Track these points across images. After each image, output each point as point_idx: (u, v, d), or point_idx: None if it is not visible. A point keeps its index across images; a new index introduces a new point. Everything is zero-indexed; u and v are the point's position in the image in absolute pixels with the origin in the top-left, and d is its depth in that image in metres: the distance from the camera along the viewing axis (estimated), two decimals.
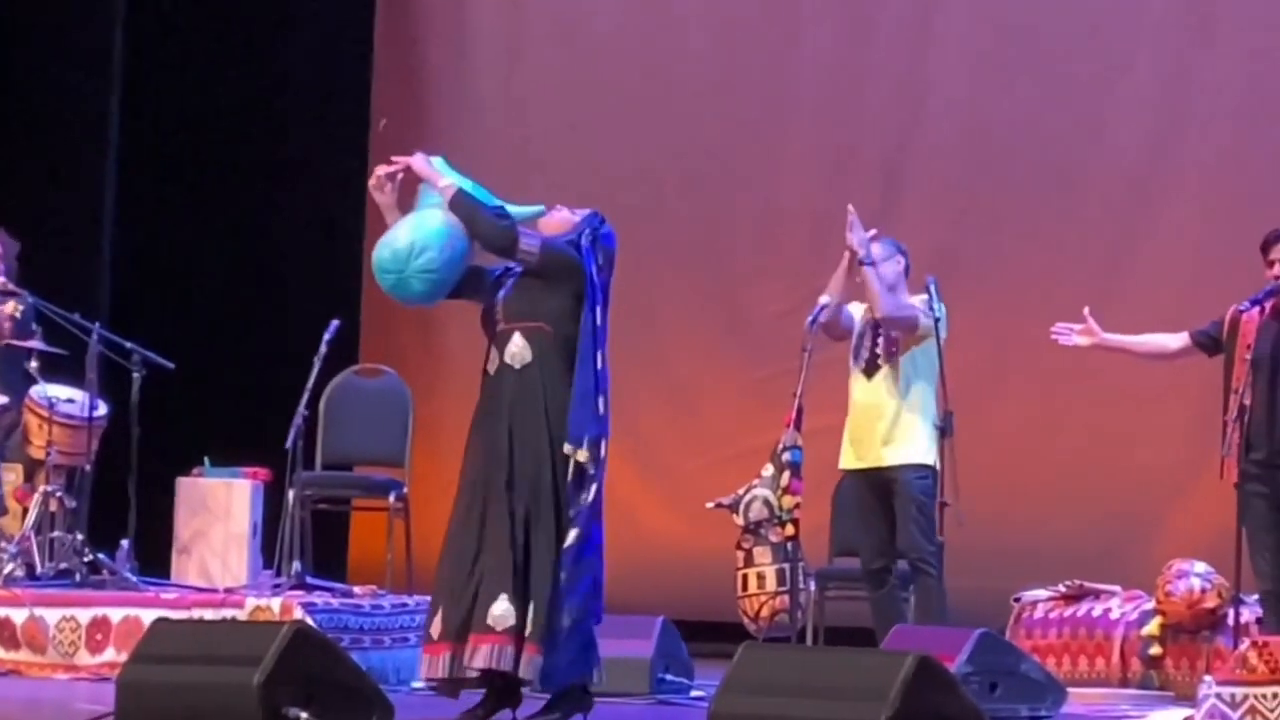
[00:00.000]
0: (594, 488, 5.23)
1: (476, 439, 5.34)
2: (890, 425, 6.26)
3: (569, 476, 5.21)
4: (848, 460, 6.31)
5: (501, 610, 5.16)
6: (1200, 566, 6.70)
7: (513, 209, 5.49)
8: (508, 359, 5.24)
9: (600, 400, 5.31)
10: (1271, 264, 5.85)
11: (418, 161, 5.41)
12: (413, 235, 5.28)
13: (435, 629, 5.34)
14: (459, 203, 5.26)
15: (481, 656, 5.17)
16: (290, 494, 7.03)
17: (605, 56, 9.14)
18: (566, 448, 5.19)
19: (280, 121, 9.49)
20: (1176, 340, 6.15)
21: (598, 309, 5.35)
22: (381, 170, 5.45)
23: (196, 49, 9.62)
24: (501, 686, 5.27)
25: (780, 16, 8.72)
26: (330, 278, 9.01)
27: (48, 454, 7.00)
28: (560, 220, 5.47)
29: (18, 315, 7.27)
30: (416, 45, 9.64)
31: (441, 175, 5.41)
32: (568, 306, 5.26)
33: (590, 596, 5.31)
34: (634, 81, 9.01)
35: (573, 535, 5.21)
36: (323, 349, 6.95)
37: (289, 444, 6.87)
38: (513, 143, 9.27)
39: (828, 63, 8.67)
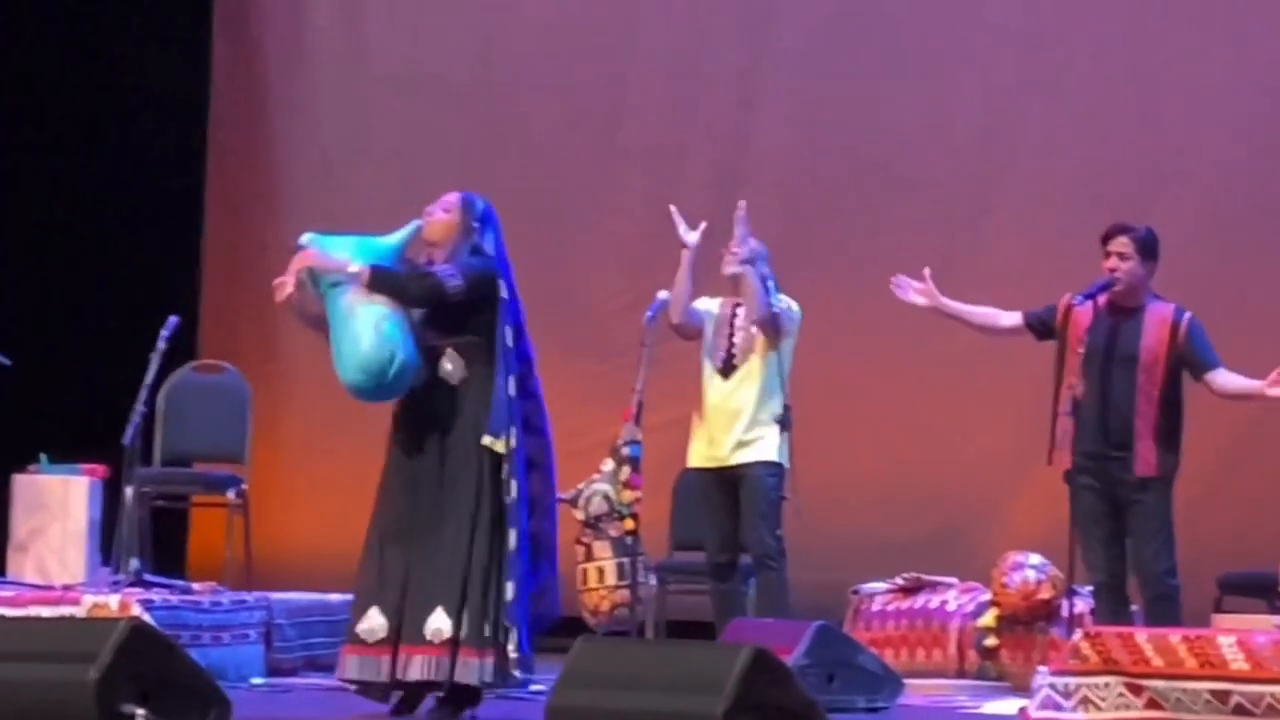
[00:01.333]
0: (515, 483, 5.32)
1: (402, 451, 5.42)
2: (747, 426, 6.29)
3: (493, 471, 5.34)
4: (697, 459, 6.33)
5: (438, 624, 5.26)
6: (1035, 558, 6.74)
7: (387, 243, 5.58)
8: (442, 375, 5.33)
9: (519, 392, 5.54)
10: (1108, 255, 5.83)
11: (313, 259, 5.43)
12: (370, 345, 5.32)
13: (365, 632, 5.37)
14: (379, 282, 5.30)
15: (416, 668, 5.25)
16: (128, 490, 7.00)
17: (445, 54, 9.20)
18: (485, 439, 5.26)
19: (119, 109, 9.39)
20: (1009, 318, 6.12)
21: (513, 302, 5.57)
22: (287, 286, 5.52)
23: (24, 37, 9.53)
24: (451, 690, 5.40)
25: (619, 16, 8.84)
26: (168, 273, 8.93)
27: None
28: (444, 223, 5.51)
29: None
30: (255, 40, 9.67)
31: (344, 262, 5.42)
32: (490, 313, 5.39)
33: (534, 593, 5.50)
34: (473, 78, 9.03)
35: (512, 537, 5.34)
36: (161, 345, 6.90)
37: (127, 440, 6.82)
38: (352, 142, 9.38)
39: (665, 61, 8.75)
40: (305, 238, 5.56)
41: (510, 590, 5.32)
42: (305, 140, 9.28)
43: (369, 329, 5.31)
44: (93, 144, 9.39)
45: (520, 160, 8.61)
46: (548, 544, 5.59)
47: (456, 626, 5.23)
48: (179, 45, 9.42)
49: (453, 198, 5.55)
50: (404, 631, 5.28)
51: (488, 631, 5.28)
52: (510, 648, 5.37)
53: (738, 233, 6.22)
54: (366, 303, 5.33)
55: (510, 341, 5.44)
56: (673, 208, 6.36)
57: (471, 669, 5.22)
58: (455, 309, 5.38)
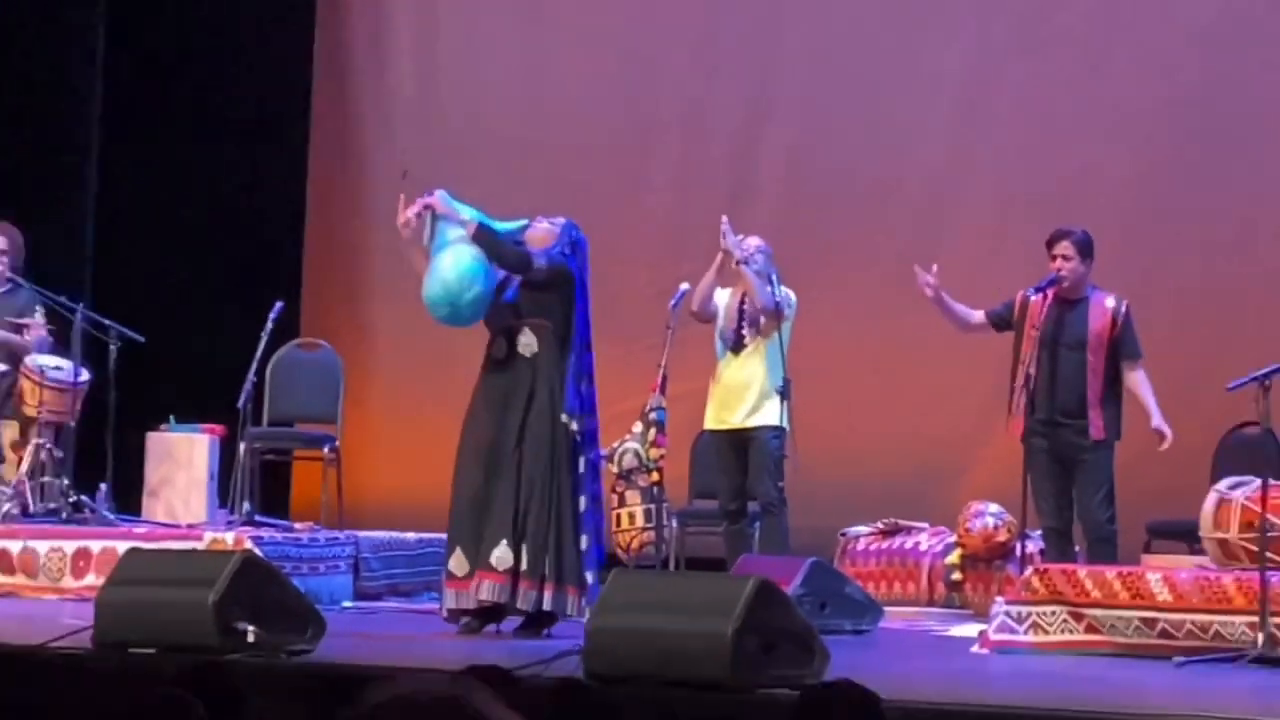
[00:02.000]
0: (582, 459, 5.48)
1: (484, 413, 5.52)
2: (756, 396, 6.34)
3: (568, 444, 5.45)
4: (713, 423, 6.43)
5: (501, 554, 5.37)
6: (994, 507, 6.85)
7: (502, 225, 5.66)
8: (520, 349, 5.44)
9: (584, 381, 5.58)
10: (1054, 258, 5.92)
11: (438, 201, 5.50)
12: (457, 272, 5.42)
13: (454, 568, 5.51)
14: (481, 236, 5.38)
15: (485, 590, 5.37)
16: (241, 446, 7.16)
17: (511, 73, 9.07)
18: (563, 417, 5.40)
19: (239, 126, 9.26)
20: (976, 316, 6.23)
21: (583, 305, 5.65)
22: (409, 211, 5.55)
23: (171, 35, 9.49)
24: (531, 615, 5.46)
25: (642, 45, 8.69)
26: (275, 265, 9.05)
27: (39, 413, 7.04)
28: (545, 232, 5.65)
29: (45, 330, 7.38)
30: (349, 55, 9.44)
31: (459, 211, 5.52)
32: (563, 306, 5.49)
33: (592, 543, 5.57)
34: (525, 113, 8.85)
35: (583, 501, 5.47)
36: (269, 325, 7.05)
37: (240, 404, 7.03)
38: (424, 159, 9.18)
39: (683, 98, 8.61)
40: (438, 191, 5.65)
41: (584, 542, 5.44)
42: (387, 157, 9.14)
43: (462, 260, 5.44)
44: (218, 156, 9.45)
45: (567, 182, 8.49)
46: (603, 502, 5.83)
47: (516, 559, 5.29)
48: (283, 80, 9.42)
49: (560, 219, 5.67)
50: (478, 561, 5.35)
51: (547, 570, 5.33)
52: (585, 586, 5.51)
53: (728, 243, 6.28)
54: (467, 245, 5.44)
55: (580, 333, 5.59)
56: (724, 219, 6.38)
57: (529, 598, 5.29)
58: (534, 294, 5.45)
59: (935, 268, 6.17)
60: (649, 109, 8.54)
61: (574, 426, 5.36)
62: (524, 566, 5.30)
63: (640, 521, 6.41)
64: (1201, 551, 6.00)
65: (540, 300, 5.44)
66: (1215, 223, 7.69)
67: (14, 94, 8.93)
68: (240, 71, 9.17)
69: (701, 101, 8.51)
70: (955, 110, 8.23)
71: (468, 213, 5.49)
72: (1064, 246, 5.76)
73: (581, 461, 5.43)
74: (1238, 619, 5.44)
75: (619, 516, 6.37)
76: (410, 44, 9.22)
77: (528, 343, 5.39)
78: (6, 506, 6.80)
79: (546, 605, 5.35)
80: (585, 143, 8.47)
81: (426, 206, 5.49)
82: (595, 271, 6.00)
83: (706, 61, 8.60)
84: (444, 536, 5.74)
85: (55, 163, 9.11)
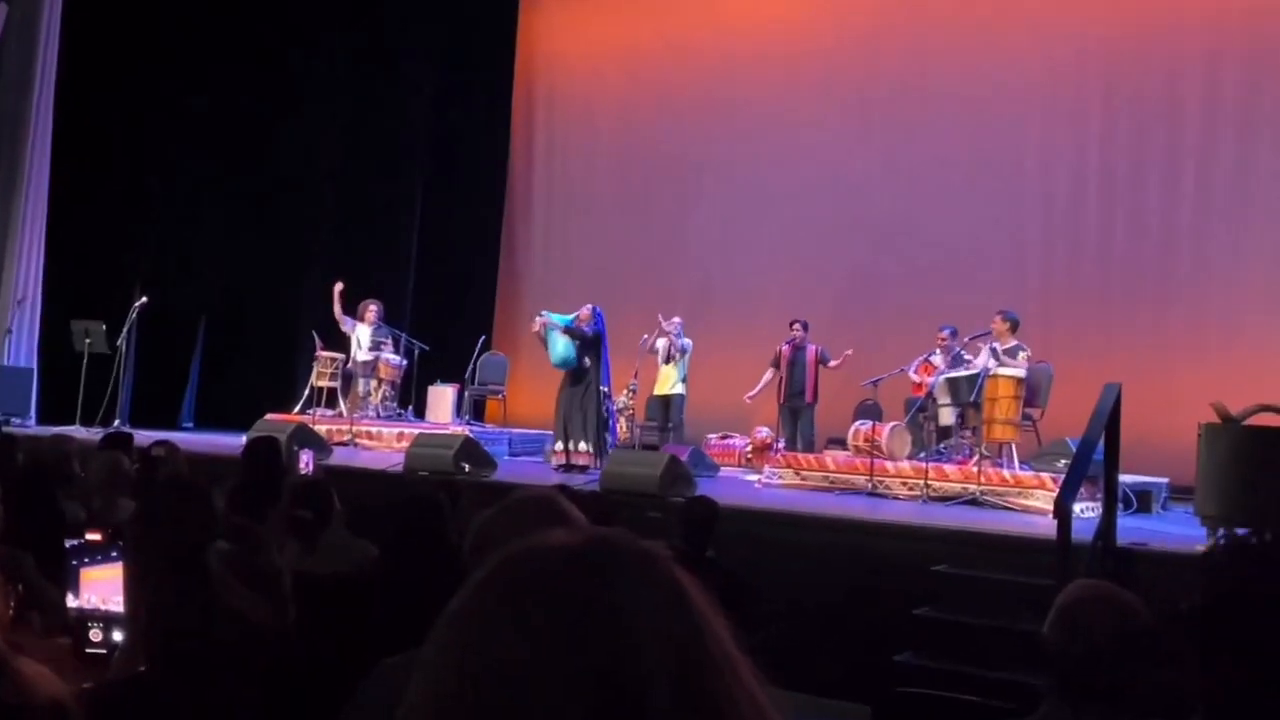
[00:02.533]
0: (606, 406, 9.47)
1: (568, 389, 9.38)
2: (673, 382, 10.76)
3: (601, 401, 9.31)
4: (655, 391, 10.82)
5: (582, 445, 9.39)
6: (765, 429, 10.84)
7: (567, 317, 9.51)
8: (583, 367, 9.34)
9: (605, 381, 9.64)
10: (792, 325, 10.30)
11: (548, 319, 9.60)
12: (563, 351, 9.43)
13: (558, 447, 9.34)
14: (569, 331, 9.51)
15: (571, 457, 9.21)
16: (466, 394, 11.68)
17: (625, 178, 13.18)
18: (603, 388, 9.28)
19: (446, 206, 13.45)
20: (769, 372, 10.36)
21: (605, 357, 9.42)
22: (538, 326, 9.62)
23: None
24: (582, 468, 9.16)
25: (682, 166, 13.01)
26: (476, 309, 13.25)
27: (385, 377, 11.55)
28: (585, 315, 9.68)
29: (395, 367, 11.37)
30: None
31: (558, 322, 9.52)
32: (599, 350, 9.30)
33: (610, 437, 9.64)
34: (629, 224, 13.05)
35: (609, 423, 9.36)
36: (480, 344, 11.65)
37: (467, 376, 11.44)
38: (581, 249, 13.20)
39: (722, 196, 12.69)
40: (544, 312, 9.74)
41: (608, 440, 9.98)
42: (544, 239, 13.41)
43: (563, 344, 9.68)
44: (440, 230, 13.52)
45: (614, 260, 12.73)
46: (613, 425, 10.26)
47: (582, 445, 9.73)
48: (484, 193, 13.70)
49: (588, 308, 9.91)
50: (568, 445, 9.60)
51: (594, 449, 9.73)
52: (605, 454, 9.37)
53: (664, 325, 10.62)
54: (563, 335, 9.62)
55: (605, 362, 9.78)
56: (660, 316, 10.70)
57: (589, 460, 9.87)
58: (585, 346, 9.73)
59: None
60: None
61: (605, 390, 9.96)
62: (585, 447, 9.62)
63: (624, 430, 11.12)
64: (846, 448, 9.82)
65: (587, 349, 9.70)
66: None
67: None
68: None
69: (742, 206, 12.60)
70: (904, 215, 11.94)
71: (557, 320, 9.81)
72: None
73: (606, 407, 9.99)
74: (859, 478, 8.97)
75: (620, 428, 10.99)
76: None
77: (586, 365, 9.68)
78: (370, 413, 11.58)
79: (596, 464, 9.46)
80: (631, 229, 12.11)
81: (543, 323, 9.74)
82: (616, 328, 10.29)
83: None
84: (550, 433, 10.24)
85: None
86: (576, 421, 9.62)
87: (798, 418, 10.35)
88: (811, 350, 10.46)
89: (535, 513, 1.90)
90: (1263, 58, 10.28)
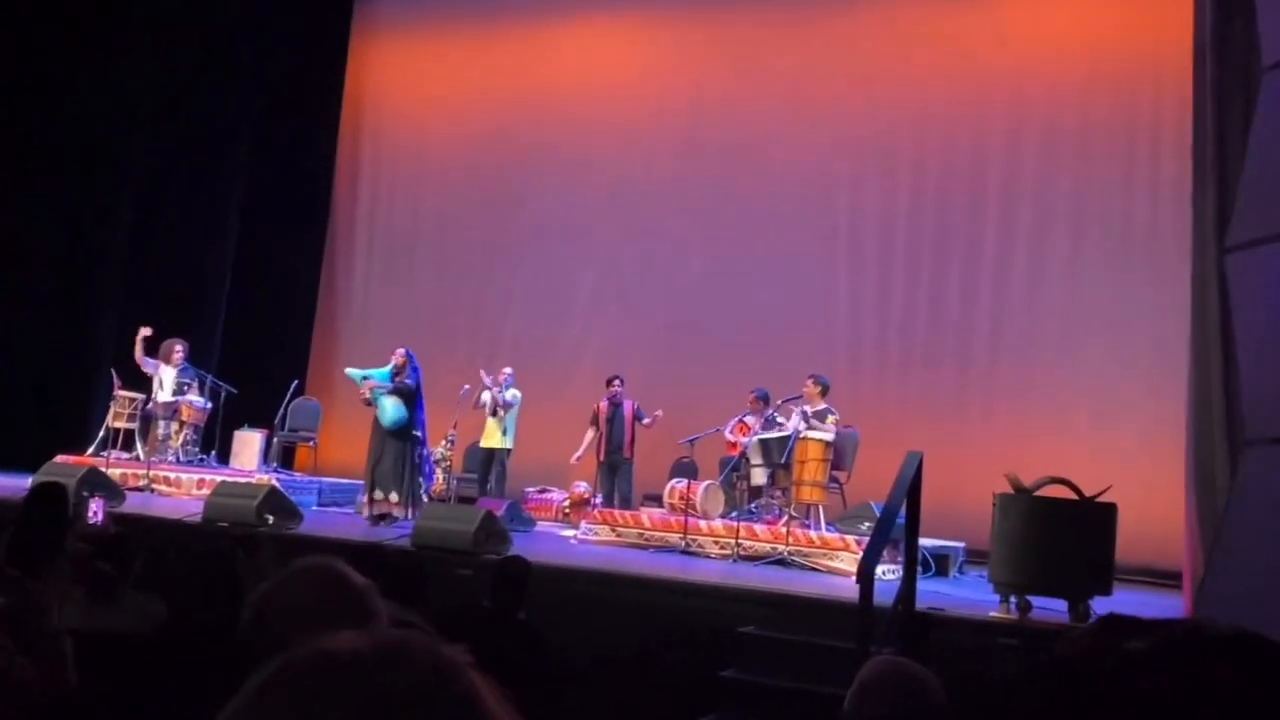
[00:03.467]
0: (420, 452, 9.46)
1: (379, 431, 9.49)
2: (500, 435, 10.75)
3: (417, 447, 9.32)
4: (483, 444, 10.75)
5: (390, 494, 9.30)
6: (583, 484, 10.80)
7: (387, 369, 9.55)
8: (392, 418, 9.48)
9: (423, 449, 9.57)
10: (609, 382, 10.41)
11: (372, 383, 9.45)
12: (391, 411, 9.34)
13: (366, 496, 9.50)
14: (395, 391, 9.38)
15: (379, 507, 9.24)
16: (274, 440, 11.53)
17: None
18: (415, 432, 9.24)
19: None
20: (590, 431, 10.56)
21: (420, 401, 9.29)
22: (365, 393, 9.50)
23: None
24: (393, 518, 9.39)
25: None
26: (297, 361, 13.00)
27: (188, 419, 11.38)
28: (401, 361, 9.53)
29: (199, 410, 11.01)
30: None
31: (383, 385, 9.38)
32: (415, 397, 9.28)
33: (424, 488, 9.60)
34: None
35: (423, 467, 9.43)
36: (290, 393, 11.45)
37: (275, 421, 11.39)
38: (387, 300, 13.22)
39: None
40: (370, 373, 9.62)
41: (421, 484, 9.88)
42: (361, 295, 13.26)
43: (391, 405, 9.57)
44: (255, 266, 13.12)
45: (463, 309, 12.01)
46: (429, 472, 10.21)
47: (395, 495, 9.65)
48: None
49: (401, 352, 9.82)
50: (377, 496, 9.58)
51: (408, 499, 9.61)
52: (419, 506, 9.32)
53: (486, 380, 10.64)
54: (389, 396, 9.55)
55: (420, 406, 9.67)
56: (482, 371, 10.69)
57: (397, 511, 9.81)
58: (406, 396, 9.65)
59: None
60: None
61: (417, 435, 9.69)
62: (396, 498, 9.51)
63: (441, 481, 11.13)
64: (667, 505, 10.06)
65: (407, 398, 9.62)
66: None
67: None
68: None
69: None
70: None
71: (379, 377, 9.63)
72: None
73: (421, 454, 9.87)
74: (673, 535, 9.05)
75: (437, 478, 10.96)
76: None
77: (403, 415, 9.59)
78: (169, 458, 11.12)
79: (406, 515, 9.39)
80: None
81: (370, 385, 9.53)
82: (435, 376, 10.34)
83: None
84: (361, 482, 10.05)
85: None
86: (385, 468, 9.44)
87: (615, 473, 10.42)
88: (629, 405, 10.58)
89: (315, 585, 1.79)
90: (1059, 140, 10.74)
